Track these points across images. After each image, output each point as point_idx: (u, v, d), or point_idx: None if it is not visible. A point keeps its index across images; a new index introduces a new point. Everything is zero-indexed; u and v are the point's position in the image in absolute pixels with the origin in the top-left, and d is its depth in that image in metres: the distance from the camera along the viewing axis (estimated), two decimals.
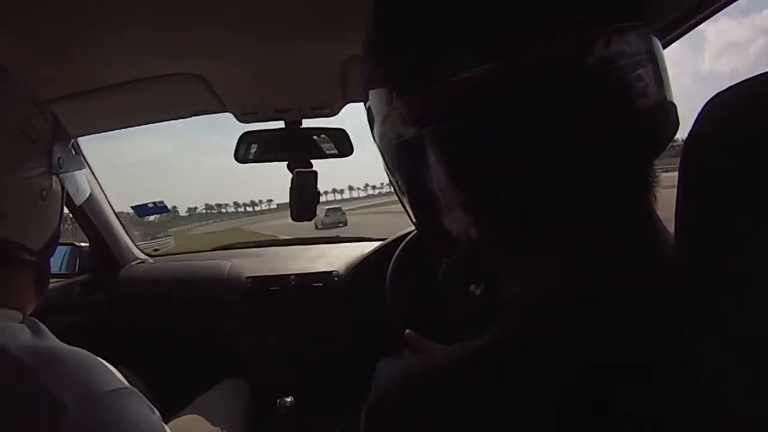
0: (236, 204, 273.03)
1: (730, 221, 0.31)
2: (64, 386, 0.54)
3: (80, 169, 0.85)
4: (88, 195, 0.91)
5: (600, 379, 0.37)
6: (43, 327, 0.66)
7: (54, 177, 0.73)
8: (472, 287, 1.30)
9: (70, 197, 0.82)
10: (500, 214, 0.41)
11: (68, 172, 0.78)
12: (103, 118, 1.45)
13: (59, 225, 0.77)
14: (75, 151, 0.83)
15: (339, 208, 38.31)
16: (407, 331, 1.17)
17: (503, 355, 0.41)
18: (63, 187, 0.77)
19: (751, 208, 0.30)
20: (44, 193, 0.70)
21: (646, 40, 0.39)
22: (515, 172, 0.39)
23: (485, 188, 0.40)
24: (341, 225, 31.33)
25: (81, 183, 0.86)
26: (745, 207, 0.30)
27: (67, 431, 0.51)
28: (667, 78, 0.41)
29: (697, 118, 0.35)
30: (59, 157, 0.73)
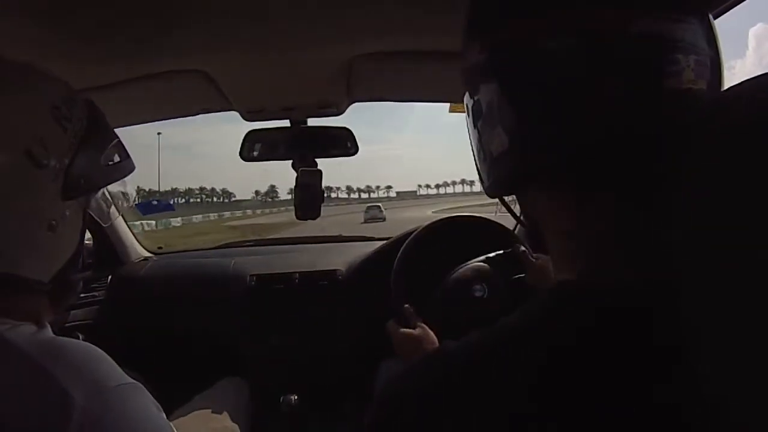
0: (349, 188, 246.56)
1: (730, 221, 0.31)
2: (72, 379, 0.54)
3: (121, 179, 0.76)
4: (120, 213, 0.81)
5: (604, 370, 0.38)
6: (47, 328, 0.64)
7: (70, 202, 0.64)
8: (478, 287, 1.30)
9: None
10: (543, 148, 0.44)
11: (94, 192, 0.69)
12: (109, 115, 1.44)
13: (78, 249, 0.69)
14: (119, 155, 0.74)
15: (378, 206, 43.06)
16: (406, 306, 1.19)
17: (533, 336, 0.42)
18: (84, 211, 0.69)
19: (751, 208, 0.30)
20: (53, 223, 0.61)
21: (694, 33, 0.41)
22: (548, 119, 0.42)
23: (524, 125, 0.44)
24: (380, 220, 34.08)
25: (120, 194, 0.77)
26: (746, 207, 0.30)
27: (74, 423, 0.51)
28: (716, 76, 0.43)
29: (697, 122, 0.35)
30: (80, 179, 0.63)
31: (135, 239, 2.06)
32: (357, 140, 1.49)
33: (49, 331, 0.63)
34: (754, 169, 0.30)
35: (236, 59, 1.10)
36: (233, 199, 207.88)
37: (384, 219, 35.23)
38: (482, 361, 0.43)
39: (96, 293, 1.85)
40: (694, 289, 0.34)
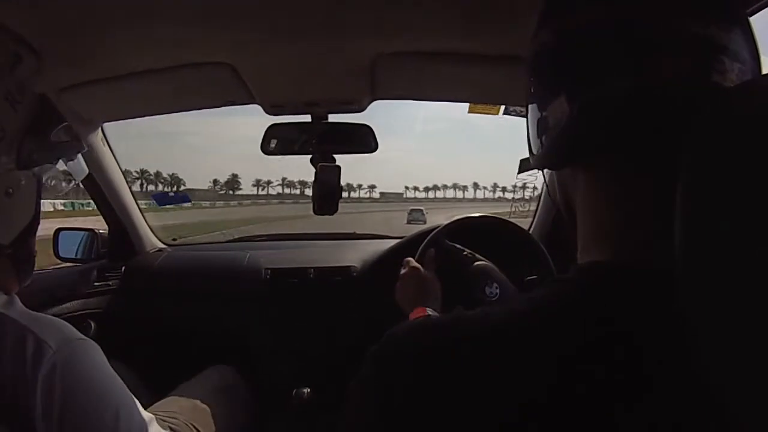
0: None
1: (731, 221, 0.31)
2: (46, 332, 0.68)
3: (70, 156, 0.87)
4: (71, 184, 0.92)
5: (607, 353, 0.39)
6: (17, 299, 0.75)
7: (25, 172, 0.74)
8: (490, 287, 1.28)
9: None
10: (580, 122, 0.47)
11: (46, 164, 0.79)
12: (131, 104, 1.45)
13: (35, 218, 0.80)
14: (69, 136, 0.84)
15: (420, 209, 45.70)
16: (430, 249, 1.28)
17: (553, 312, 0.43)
18: (38, 181, 0.79)
19: (751, 207, 0.30)
20: (10, 190, 0.72)
21: (739, 43, 0.44)
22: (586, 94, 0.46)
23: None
24: (421, 223, 35.07)
25: (71, 169, 0.87)
26: (746, 207, 0.30)
27: (48, 363, 0.66)
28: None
29: (699, 116, 0.35)
30: (33, 153, 0.74)
31: (150, 230, 2.07)
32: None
33: (20, 304, 0.74)
34: (755, 168, 0.30)
35: (263, 53, 1.10)
36: (183, 187, 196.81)
37: (425, 222, 36.22)
38: (499, 331, 0.42)
39: (109, 282, 1.86)
40: (693, 288, 0.34)
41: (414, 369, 0.43)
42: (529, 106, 0.55)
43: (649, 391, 0.37)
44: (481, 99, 1.60)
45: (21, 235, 0.77)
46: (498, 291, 1.29)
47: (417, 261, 1.31)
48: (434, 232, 1.45)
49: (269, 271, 1.84)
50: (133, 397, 0.78)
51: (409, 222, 35.25)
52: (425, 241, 1.42)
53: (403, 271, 1.23)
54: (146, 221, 2.04)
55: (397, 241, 1.93)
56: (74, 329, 0.73)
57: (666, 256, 0.41)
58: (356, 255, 1.92)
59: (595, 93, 0.45)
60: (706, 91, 0.41)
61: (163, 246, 2.11)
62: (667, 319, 0.39)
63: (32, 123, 0.74)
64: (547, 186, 0.62)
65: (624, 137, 0.45)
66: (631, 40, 0.43)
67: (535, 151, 0.55)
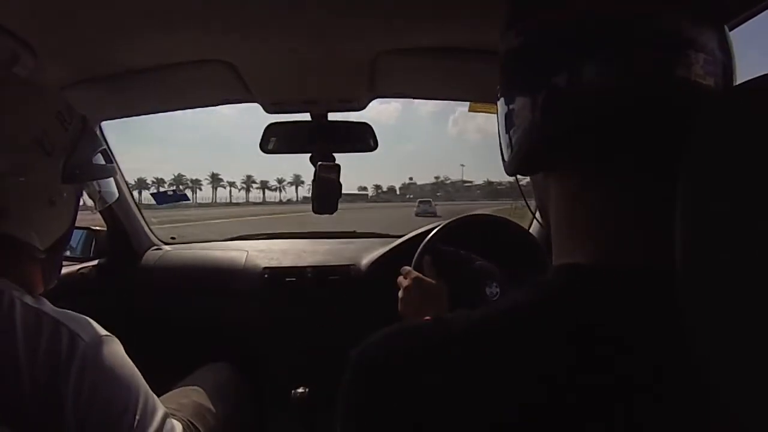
0: (250, 180, 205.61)
1: (732, 221, 0.31)
2: (78, 328, 0.73)
3: (105, 178, 0.95)
4: (107, 203, 1.01)
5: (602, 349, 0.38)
6: (43, 299, 0.77)
7: (67, 186, 0.81)
8: (490, 287, 1.28)
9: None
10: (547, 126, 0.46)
11: (85, 182, 0.87)
12: (130, 103, 1.44)
13: (70, 229, 0.87)
14: (105, 160, 0.92)
15: (429, 201, 45.94)
16: (426, 256, 1.26)
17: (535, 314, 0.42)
18: (77, 196, 0.87)
19: (754, 208, 0.30)
20: (53, 200, 0.78)
21: (707, 36, 0.43)
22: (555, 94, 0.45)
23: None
24: (430, 215, 35.52)
25: (105, 191, 0.96)
26: (748, 207, 0.30)
27: (80, 356, 0.70)
28: (728, 80, 0.44)
29: (701, 114, 0.35)
30: (76, 169, 0.81)
31: (149, 229, 2.06)
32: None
33: (48, 303, 0.77)
34: (754, 166, 0.30)
35: (262, 52, 1.09)
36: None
37: (435, 213, 37.11)
38: (475, 337, 0.42)
39: (108, 281, 1.86)
40: (693, 286, 0.34)
41: (387, 374, 0.43)
42: (498, 110, 0.54)
43: (634, 391, 0.37)
44: (482, 97, 1.59)
45: (55, 244, 0.83)
46: (499, 290, 1.28)
47: (414, 269, 1.28)
48: (427, 238, 1.42)
49: (267, 270, 1.83)
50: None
51: (417, 214, 35.72)
52: (419, 249, 1.39)
53: (405, 283, 1.18)
54: (144, 220, 2.04)
55: (396, 240, 1.93)
56: (99, 326, 0.79)
57: (645, 256, 0.42)
58: (355, 254, 1.92)
59: (563, 93, 0.44)
60: (676, 88, 0.41)
61: (162, 245, 2.11)
62: (649, 318, 0.39)
63: (76, 142, 0.81)
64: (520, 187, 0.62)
65: (594, 138, 0.44)
66: (599, 39, 0.43)
67: (506, 156, 0.54)
